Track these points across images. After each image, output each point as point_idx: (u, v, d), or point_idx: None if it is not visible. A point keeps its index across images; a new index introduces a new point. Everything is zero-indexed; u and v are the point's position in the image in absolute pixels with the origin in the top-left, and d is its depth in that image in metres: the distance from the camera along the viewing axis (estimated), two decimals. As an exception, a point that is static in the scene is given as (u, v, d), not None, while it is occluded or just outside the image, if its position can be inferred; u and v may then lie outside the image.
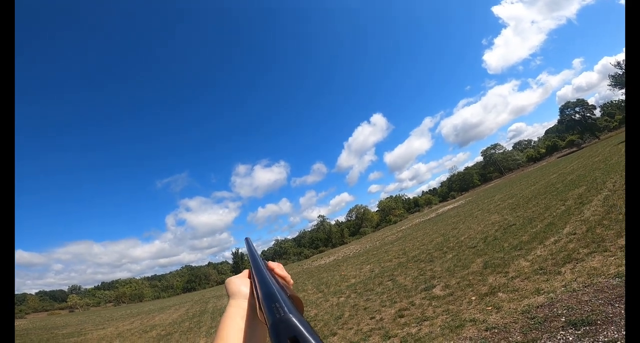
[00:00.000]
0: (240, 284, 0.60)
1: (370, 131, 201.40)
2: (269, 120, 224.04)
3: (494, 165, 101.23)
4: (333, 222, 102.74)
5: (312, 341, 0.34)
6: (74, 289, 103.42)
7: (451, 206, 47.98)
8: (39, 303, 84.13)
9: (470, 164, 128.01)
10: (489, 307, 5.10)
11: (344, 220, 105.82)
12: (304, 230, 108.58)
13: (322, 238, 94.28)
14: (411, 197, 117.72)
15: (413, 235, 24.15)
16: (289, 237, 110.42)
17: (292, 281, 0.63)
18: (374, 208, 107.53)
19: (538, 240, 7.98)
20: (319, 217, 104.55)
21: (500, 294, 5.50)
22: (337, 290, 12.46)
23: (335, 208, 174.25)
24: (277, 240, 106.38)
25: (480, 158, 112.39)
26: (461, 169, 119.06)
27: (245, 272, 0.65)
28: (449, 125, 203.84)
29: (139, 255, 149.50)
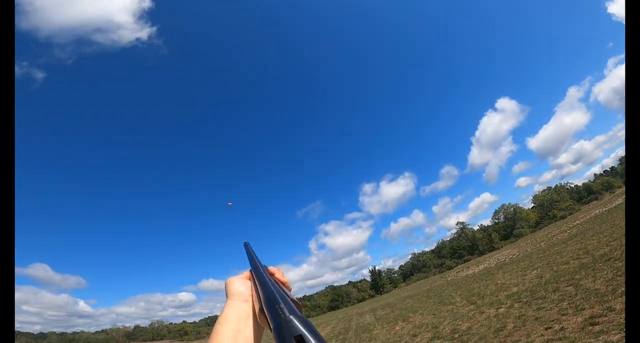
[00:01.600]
0: (240, 285, 0.61)
1: (499, 119, 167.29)
2: (383, 134, 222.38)
3: None
4: (477, 228, 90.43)
5: (316, 339, 0.35)
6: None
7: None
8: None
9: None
10: None
11: (489, 223, 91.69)
12: (442, 240, 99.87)
13: (465, 246, 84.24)
14: (580, 184, 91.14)
15: (595, 230, 18.68)
16: (427, 249, 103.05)
17: (291, 287, 0.64)
18: (527, 205, 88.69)
19: None
20: (457, 224, 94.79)
21: None
22: (494, 300, 10.68)
23: (477, 211, 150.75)
24: (414, 254, 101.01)
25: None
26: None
27: (246, 274, 0.66)
28: (605, 90, 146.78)
29: (292, 278, 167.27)
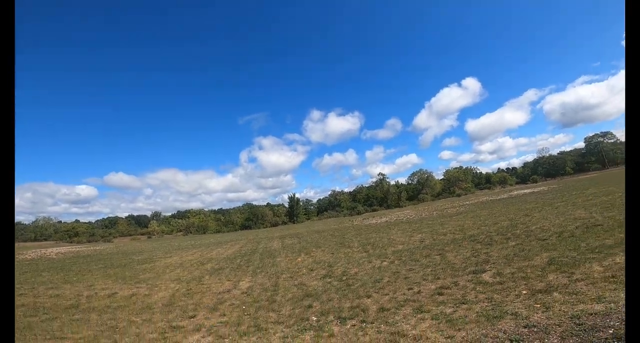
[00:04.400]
0: None
1: (459, 94, 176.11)
2: (349, 67, 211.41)
3: (597, 155, 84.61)
4: (393, 182, 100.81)
5: None
6: (155, 216, 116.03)
7: (529, 190, 42.64)
8: (126, 227, 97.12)
9: (567, 148, 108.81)
10: (537, 304, 4.84)
11: (404, 182, 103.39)
12: (362, 185, 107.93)
13: (378, 196, 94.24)
14: (484, 172, 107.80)
15: (476, 213, 22.75)
16: (347, 190, 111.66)
17: None
18: (439, 176, 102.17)
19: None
20: (379, 174, 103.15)
21: (555, 294, 5.13)
22: (382, 253, 12.83)
23: (400, 168, 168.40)
24: (333, 191, 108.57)
25: (582, 144, 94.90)
26: (554, 152, 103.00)
27: None
28: (556, 101, 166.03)
29: (213, 187, 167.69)
